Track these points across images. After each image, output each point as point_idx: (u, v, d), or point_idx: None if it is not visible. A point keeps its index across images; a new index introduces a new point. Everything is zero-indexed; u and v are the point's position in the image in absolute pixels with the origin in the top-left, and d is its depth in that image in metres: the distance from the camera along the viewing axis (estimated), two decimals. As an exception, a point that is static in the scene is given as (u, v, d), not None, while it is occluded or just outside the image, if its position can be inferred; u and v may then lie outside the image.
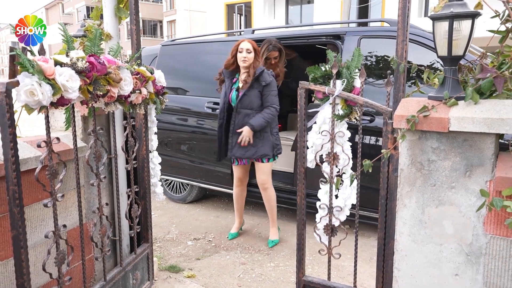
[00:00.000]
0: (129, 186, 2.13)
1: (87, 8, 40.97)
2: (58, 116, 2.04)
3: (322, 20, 17.12)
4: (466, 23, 1.37)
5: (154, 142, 2.26)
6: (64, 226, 1.56)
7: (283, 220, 3.73)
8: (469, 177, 1.40)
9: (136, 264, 2.16)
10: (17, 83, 1.28)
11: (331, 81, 1.70)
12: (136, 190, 2.12)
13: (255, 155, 3.05)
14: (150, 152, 2.25)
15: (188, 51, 4.09)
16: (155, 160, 2.27)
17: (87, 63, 1.45)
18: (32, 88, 1.27)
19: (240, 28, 21.38)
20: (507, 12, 1.31)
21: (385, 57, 3.21)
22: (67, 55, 1.49)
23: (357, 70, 1.68)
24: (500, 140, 1.44)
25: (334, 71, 1.68)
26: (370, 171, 1.48)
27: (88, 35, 2.05)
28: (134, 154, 2.06)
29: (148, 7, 33.59)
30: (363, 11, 16.56)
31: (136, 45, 2.11)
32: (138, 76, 1.82)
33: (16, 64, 1.31)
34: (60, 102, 1.39)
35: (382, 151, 1.53)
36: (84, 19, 2.11)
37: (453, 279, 1.49)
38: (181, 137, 3.97)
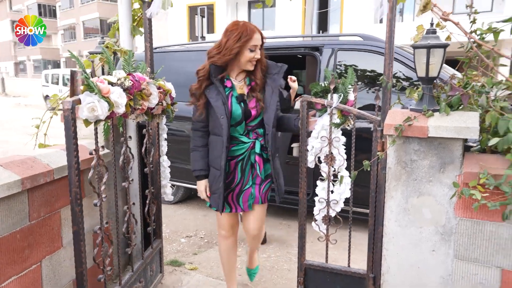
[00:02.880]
0: (145, 187, 2.35)
1: (39, 5, 39.22)
2: (81, 125, 2.23)
3: (284, 23, 17.69)
4: (439, 52, 1.74)
5: (164, 147, 2.49)
6: (107, 223, 1.78)
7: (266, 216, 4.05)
8: (443, 172, 1.77)
9: (152, 258, 2.39)
10: (79, 101, 1.51)
11: (329, 95, 2.03)
12: (152, 191, 2.36)
13: (277, 193, 2.26)
14: (161, 156, 2.48)
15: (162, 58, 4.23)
16: (165, 163, 2.50)
17: (131, 82, 1.69)
18: (93, 105, 1.50)
19: (202, 30, 21.49)
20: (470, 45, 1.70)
21: (356, 67, 3.62)
22: (109, 74, 1.72)
23: (350, 86, 2.02)
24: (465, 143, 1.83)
25: (332, 87, 2.01)
26: (369, 169, 1.83)
27: (107, 51, 2.25)
28: (151, 159, 2.30)
29: (106, 7, 32.76)
30: (323, 17, 17.25)
31: (150, 60, 2.34)
32: (161, 90, 2.06)
33: (76, 84, 1.53)
34: (110, 116, 1.62)
35: (378, 153, 1.87)
36: (102, 37, 2.30)
37: (431, 254, 1.86)
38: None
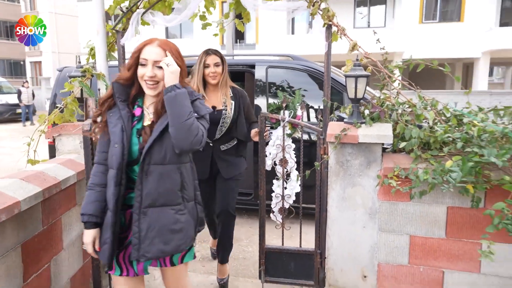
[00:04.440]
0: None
1: None
2: (66, 141, 2.47)
3: (202, 32, 18.08)
4: (363, 80, 2.38)
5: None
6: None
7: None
8: (369, 168, 2.41)
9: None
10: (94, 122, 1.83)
11: (281, 111, 2.57)
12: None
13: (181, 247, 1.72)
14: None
15: None
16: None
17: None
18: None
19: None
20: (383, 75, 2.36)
21: (287, 82, 4.26)
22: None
23: (298, 104, 2.58)
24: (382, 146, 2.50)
25: (284, 105, 2.55)
26: (319, 169, 2.39)
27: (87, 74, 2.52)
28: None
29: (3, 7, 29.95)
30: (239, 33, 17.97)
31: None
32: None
33: (89, 108, 1.85)
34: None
35: (324, 156, 2.45)
36: (79, 61, 2.56)
37: (362, 230, 2.49)
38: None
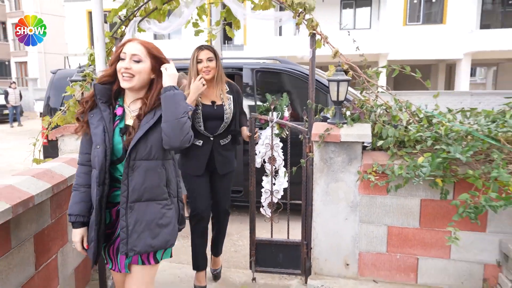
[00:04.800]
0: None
1: None
2: (68, 142, 2.63)
3: (190, 32, 18.17)
4: (345, 84, 2.59)
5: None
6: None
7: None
8: (350, 165, 2.63)
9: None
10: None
11: (270, 113, 2.78)
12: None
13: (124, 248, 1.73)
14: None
15: None
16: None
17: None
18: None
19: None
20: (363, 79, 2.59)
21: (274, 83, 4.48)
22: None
23: (285, 106, 2.79)
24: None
25: (272, 107, 2.76)
26: (304, 165, 2.61)
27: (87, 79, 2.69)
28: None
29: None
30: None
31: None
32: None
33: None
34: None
35: (309, 154, 2.66)
36: (80, 66, 2.72)
37: (344, 222, 2.71)
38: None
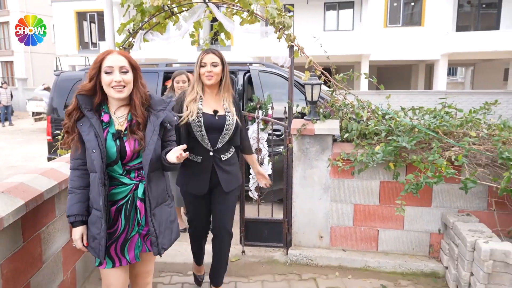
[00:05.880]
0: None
1: None
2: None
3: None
4: (318, 87, 3.14)
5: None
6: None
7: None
8: (323, 153, 3.18)
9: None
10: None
11: (256, 111, 3.31)
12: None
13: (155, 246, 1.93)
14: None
15: None
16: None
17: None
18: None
19: (91, 37, 21.14)
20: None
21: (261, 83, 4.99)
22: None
23: (269, 105, 3.33)
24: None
25: (258, 106, 3.29)
26: (285, 154, 3.15)
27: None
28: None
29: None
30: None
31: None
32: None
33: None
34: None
35: (288, 145, 3.20)
36: (76, 66, 3.18)
37: (319, 201, 3.26)
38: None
